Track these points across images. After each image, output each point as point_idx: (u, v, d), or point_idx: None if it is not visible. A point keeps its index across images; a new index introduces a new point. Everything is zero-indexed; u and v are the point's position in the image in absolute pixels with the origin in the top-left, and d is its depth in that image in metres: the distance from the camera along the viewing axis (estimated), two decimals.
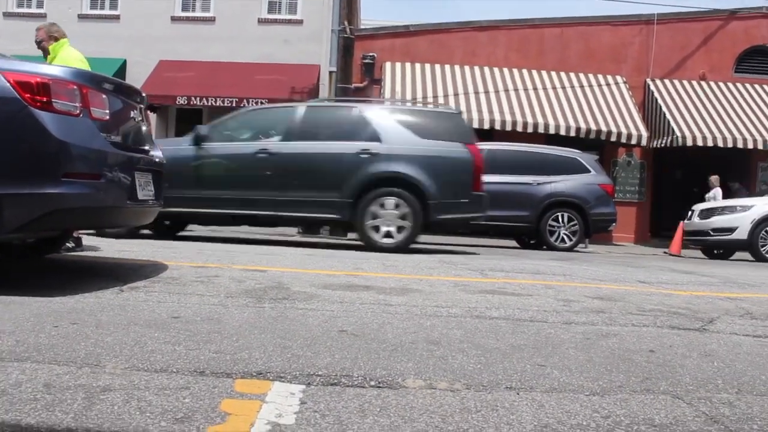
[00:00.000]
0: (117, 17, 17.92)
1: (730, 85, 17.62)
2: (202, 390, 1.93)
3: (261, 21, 17.79)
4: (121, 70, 17.29)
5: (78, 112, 3.60)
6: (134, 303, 3.30)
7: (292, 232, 13.60)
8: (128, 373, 2.06)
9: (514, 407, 1.94)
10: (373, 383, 2.11)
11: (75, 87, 3.61)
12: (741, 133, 16.04)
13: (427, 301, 3.86)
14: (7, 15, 17.95)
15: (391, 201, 8.07)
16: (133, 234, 8.13)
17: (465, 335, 2.93)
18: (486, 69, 17.36)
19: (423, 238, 12.79)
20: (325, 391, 2.00)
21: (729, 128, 16.18)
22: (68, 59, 6.05)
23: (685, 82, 17.57)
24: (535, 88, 16.99)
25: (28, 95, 3.39)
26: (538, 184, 11.67)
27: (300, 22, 17.70)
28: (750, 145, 16.01)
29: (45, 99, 3.43)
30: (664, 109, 16.70)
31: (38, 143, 3.39)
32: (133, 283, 3.91)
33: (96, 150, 3.67)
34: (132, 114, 4.33)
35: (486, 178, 11.04)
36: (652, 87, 17.42)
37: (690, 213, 13.55)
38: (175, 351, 2.36)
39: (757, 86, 17.59)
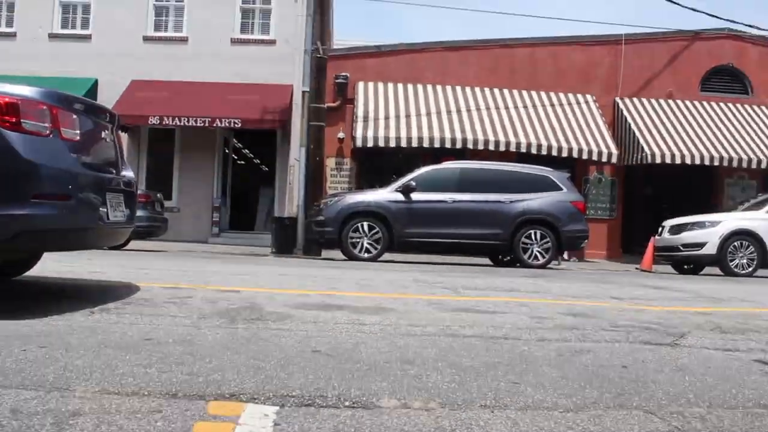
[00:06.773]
0: (88, 37, 17.77)
1: (697, 103, 17.96)
2: (174, 413, 1.91)
3: (234, 41, 17.76)
4: (93, 90, 17.11)
5: (48, 132, 3.55)
6: (105, 325, 3.25)
7: (265, 252, 13.51)
8: (99, 397, 2.02)
9: (488, 425, 1.94)
10: (347, 403, 2.10)
11: (45, 107, 3.56)
12: (708, 150, 16.35)
13: (402, 320, 3.86)
14: None
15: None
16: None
17: (439, 354, 2.93)
18: (458, 88, 17.49)
19: (396, 256, 12.80)
20: (299, 412, 1.99)
21: (696, 146, 16.49)
22: None
23: (653, 101, 17.87)
24: (506, 107, 17.14)
25: None
26: (511, 202, 11.74)
27: (273, 42, 17.71)
28: (716, 162, 16.33)
29: (14, 119, 3.37)
30: (633, 127, 16.96)
31: (7, 164, 3.34)
32: (104, 305, 3.85)
33: (66, 170, 3.62)
34: (103, 134, 4.28)
35: (459, 196, 11.30)
36: (621, 105, 17.69)
37: (660, 229, 13.73)
38: (147, 373, 2.33)
39: (722, 104, 17.95)
